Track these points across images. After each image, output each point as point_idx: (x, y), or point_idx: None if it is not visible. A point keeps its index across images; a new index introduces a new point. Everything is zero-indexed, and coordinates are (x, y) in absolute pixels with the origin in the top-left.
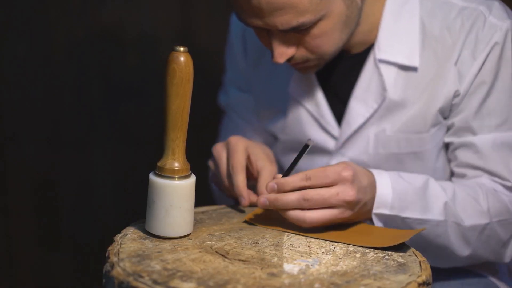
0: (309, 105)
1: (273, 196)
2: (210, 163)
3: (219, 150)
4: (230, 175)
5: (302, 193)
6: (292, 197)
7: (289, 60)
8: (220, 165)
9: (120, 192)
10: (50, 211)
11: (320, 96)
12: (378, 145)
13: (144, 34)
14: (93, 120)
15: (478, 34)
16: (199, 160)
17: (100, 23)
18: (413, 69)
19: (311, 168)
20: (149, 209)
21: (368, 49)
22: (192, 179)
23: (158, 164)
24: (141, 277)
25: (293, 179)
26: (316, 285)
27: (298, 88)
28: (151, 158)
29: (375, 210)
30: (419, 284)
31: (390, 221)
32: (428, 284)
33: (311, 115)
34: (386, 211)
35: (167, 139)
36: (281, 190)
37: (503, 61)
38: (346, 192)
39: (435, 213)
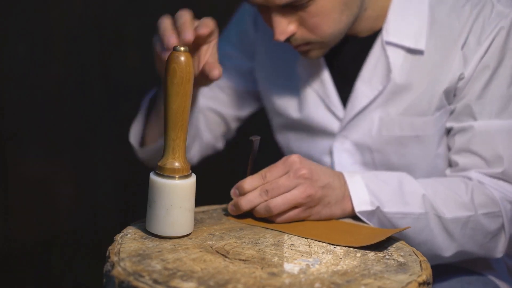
0: (315, 85)
1: (236, 199)
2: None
3: (163, 18)
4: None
5: (261, 187)
6: (254, 193)
7: (290, 41)
8: (165, 30)
9: (120, 192)
10: (50, 211)
11: (326, 76)
12: (381, 127)
13: (144, 34)
14: (93, 120)
15: (485, 21)
16: (199, 160)
17: (101, 23)
18: (419, 52)
19: (314, 151)
20: (150, 208)
21: (376, 33)
22: (193, 179)
23: (159, 163)
24: (142, 276)
25: (251, 180)
26: (317, 284)
27: (305, 68)
28: None
29: (357, 209)
30: (420, 284)
31: (374, 218)
32: (428, 283)
33: (317, 95)
34: (367, 207)
35: (167, 138)
36: (242, 193)
37: (508, 48)
38: (298, 170)
39: (414, 207)
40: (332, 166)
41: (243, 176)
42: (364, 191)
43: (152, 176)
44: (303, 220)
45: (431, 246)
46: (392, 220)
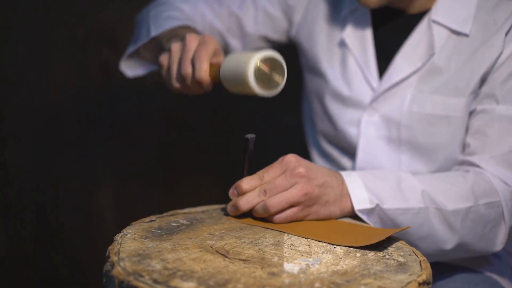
0: (358, 53)
1: (234, 200)
2: (174, 47)
3: (192, 40)
4: (188, 68)
5: (259, 187)
6: (252, 194)
7: None
8: (186, 53)
9: (120, 192)
10: (50, 211)
11: (370, 46)
12: (413, 104)
13: None
14: (93, 120)
15: None
16: (199, 160)
17: (101, 23)
18: (464, 35)
19: (342, 120)
20: None
21: (425, 12)
22: None
23: None
24: (142, 276)
25: (249, 180)
26: (317, 284)
27: (352, 35)
28: (151, 158)
29: (357, 207)
30: (420, 284)
31: (374, 216)
32: (428, 283)
33: (357, 63)
34: (367, 205)
35: None
36: (241, 193)
37: None
38: (295, 169)
39: (414, 202)
40: (357, 138)
41: (240, 174)
42: (362, 190)
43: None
44: (302, 220)
45: (432, 239)
46: (392, 216)
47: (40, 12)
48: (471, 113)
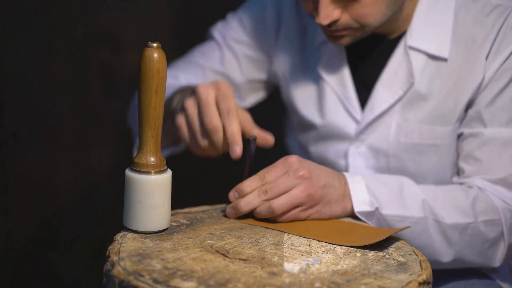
0: (336, 86)
1: (235, 203)
2: (189, 104)
3: (206, 90)
4: (216, 121)
5: (259, 187)
6: (252, 195)
7: (329, 25)
8: (207, 108)
9: (120, 192)
10: (50, 211)
11: (348, 78)
12: (399, 133)
13: (144, 34)
14: (93, 120)
15: (507, 31)
16: (199, 159)
17: (100, 23)
18: (442, 59)
19: (330, 153)
20: (128, 204)
21: (401, 36)
22: (168, 173)
23: (134, 159)
24: (142, 276)
25: (250, 182)
26: (317, 284)
27: (327, 68)
28: None
29: (357, 209)
30: (420, 283)
31: (373, 220)
32: (428, 283)
33: (337, 96)
34: (366, 208)
35: (141, 134)
36: (242, 195)
37: None
38: (298, 170)
39: (413, 210)
40: (346, 170)
41: (241, 175)
42: (364, 192)
43: (128, 172)
44: (303, 220)
45: (429, 250)
46: (391, 222)
47: (40, 12)
48: (459, 136)
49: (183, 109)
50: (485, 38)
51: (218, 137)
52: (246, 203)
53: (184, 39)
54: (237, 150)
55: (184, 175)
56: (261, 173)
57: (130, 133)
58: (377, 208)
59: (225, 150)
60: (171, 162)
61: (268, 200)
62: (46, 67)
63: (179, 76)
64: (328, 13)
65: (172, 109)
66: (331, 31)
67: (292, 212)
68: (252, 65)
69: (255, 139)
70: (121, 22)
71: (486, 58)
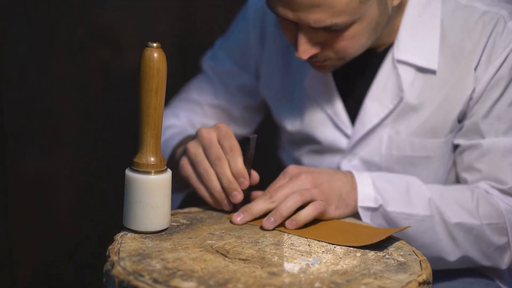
0: (323, 102)
1: (242, 209)
2: (192, 145)
3: (208, 132)
4: (221, 154)
5: (267, 196)
6: (260, 205)
7: (310, 57)
8: (211, 147)
9: (120, 192)
10: (50, 211)
11: (335, 93)
12: (391, 146)
13: (144, 34)
14: (93, 120)
15: (496, 39)
16: None
17: (100, 23)
18: (431, 71)
19: (323, 167)
20: (128, 204)
21: (387, 48)
22: (168, 173)
23: (134, 159)
24: (142, 276)
25: (257, 202)
26: (317, 284)
27: (313, 84)
28: None
29: (360, 204)
30: (420, 283)
31: (376, 217)
32: (428, 283)
33: (325, 112)
34: (370, 204)
35: (140, 134)
36: (251, 215)
37: None
38: (298, 174)
39: (419, 208)
40: None
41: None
42: (370, 187)
43: (128, 172)
44: (326, 220)
45: (435, 249)
46: (396, 219)
47: (40, 12)
48: (456, 147)
49: (185, 153)
50: (474, 48)
51: (224, 168)
52: (255, 212)
53: (184, 39)
54: (245, 182)
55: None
56: (267, 192)
57: (129, 133)
58: (381, 205)
59: (237, 198)
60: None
61: (273, 202)
62: (46, 67)
63: (180, 114)
64: (307, 48)
65: (176, 161)
66: (312, 61)
67: (310, 210)
68: (245, 93)
69: (256, 137)
70: (121, 22)
71: (475, 68)
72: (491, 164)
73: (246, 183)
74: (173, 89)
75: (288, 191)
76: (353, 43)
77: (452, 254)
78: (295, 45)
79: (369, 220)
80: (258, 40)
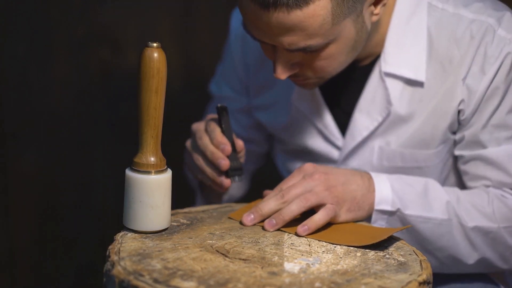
0: (312, 115)
1: (252, 210)
2: (187, 143)
3: (197, 125)
4: (201, 139)
5: (278, 195)
6: (270, 205)
7: (290, 76)
8: (196, 134)
9: (120, 192)
10: (50, 211)
11: (323, 107)
12: (382, 157)
13: (144, 34)
14: (93, 120)
15: (487, 49)
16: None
17: (100, 23)
18: (419, 83)
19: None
20: (128, 204)
21: (374, 60)
22: (169, 173)
23: (134, 159)
24: (142, 276)
25: (268, 202)
26: (317, 284)
27: (301, 98)
28: None
29: (377, 207)
30: (420, 283)
31: (392, 220)
32: (428, 283)
33: (314, 126)
34: (387, 207)
35: (141, 134)
36: (261, 217)
37: None
38: (312, 173)
39: (437, 212)
40: None
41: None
42: (388, 190)
43: (128, 172)
44: (339, 223)
45: (452, 252)
46: (414, 223)
47: (40, 12)
48: (459, 158)
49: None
50: (462, 59)
51: (205, 143)
52: (266, 212)
53: (184, 39)
54: (226, 147)
55: (184, 175)
56: (278, 186)
57: (129, 133)
58: (398, 209)
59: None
60: (171, 162)
61: (285, 202)
62: (46, 67)
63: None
64: (285, 69)
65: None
66: (293, 80)
67: (320, 214)
68: (247, 115)
69: (224, 106)
70: (121, 22)
71: (464, 79)
72: (498, 171)
73: (228, 148)
74: (173, 89)
75: (300, 191)
76: (330, 63)
77: (469, 257)
78: (273, 65)
79: (385, 223)
80: (242, 63)
